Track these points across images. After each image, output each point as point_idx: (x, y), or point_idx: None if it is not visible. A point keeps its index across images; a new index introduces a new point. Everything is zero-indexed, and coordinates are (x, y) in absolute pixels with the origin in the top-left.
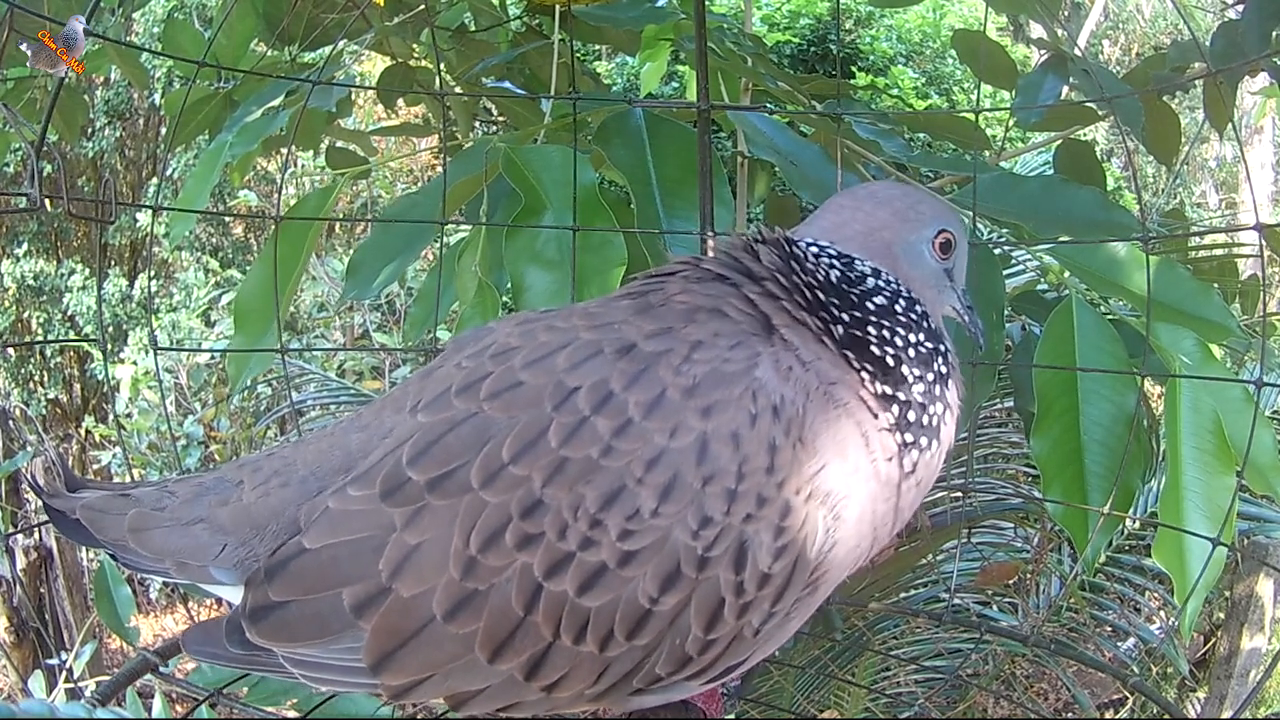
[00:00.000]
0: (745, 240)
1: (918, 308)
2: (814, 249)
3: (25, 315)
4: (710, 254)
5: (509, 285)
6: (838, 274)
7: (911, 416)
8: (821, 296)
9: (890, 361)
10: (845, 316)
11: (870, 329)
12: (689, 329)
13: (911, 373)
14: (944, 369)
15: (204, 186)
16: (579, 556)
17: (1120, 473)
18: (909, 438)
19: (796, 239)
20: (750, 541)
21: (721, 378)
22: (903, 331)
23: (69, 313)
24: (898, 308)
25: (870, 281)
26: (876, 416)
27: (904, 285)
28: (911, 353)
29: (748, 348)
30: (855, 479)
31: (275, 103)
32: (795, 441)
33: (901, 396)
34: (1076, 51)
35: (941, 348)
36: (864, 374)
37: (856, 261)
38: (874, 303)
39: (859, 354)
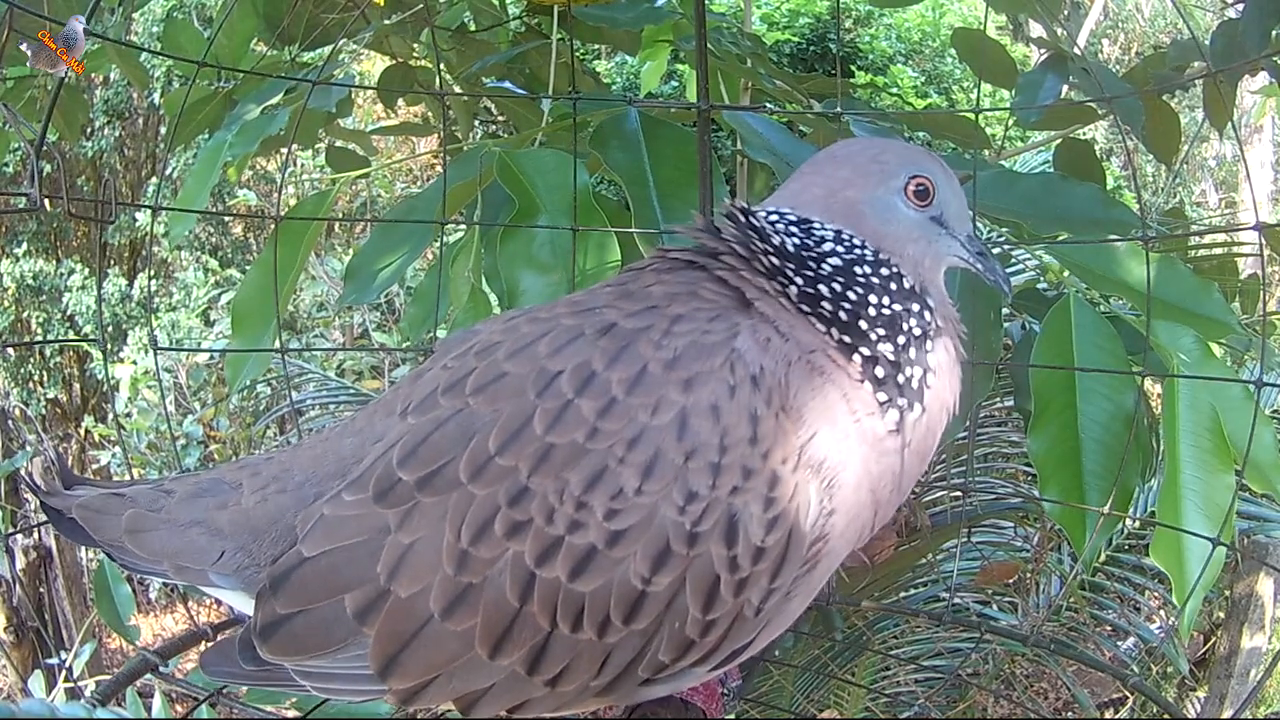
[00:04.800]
0: (707, 219)
1: (884, 270)
2: (773, 217)
3: (25, 315)
4: None
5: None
6: (795, 241)
7: (880, 372)
8: (776, 262)
9: (844, 316)
10: (798, 279)
11: (822, 286)
12: (671, 306)
13: (874, 331)
14: (918, 330)
15: (203, 186)
16: (568, 540)
17: (1119, 472)
18: (882, 396)
19: (755, 209)
20: (739, 514)
21: (701, 349)
22: (860, 291)
23: (68, 312)
24: (857, 270)
25: (828, 245)
26: (848, 373)
27: (872, 246)
28: (870, 312)
29: (727, 319)
30: (847, 444)
31: (274, 101)
32: (778, 411)
33: (865, 351)
34: (1076, 50)
35: (915, 307)
36: (820, 324)
37: (815, 225)
38: (829, 264)
39: (813, 309)
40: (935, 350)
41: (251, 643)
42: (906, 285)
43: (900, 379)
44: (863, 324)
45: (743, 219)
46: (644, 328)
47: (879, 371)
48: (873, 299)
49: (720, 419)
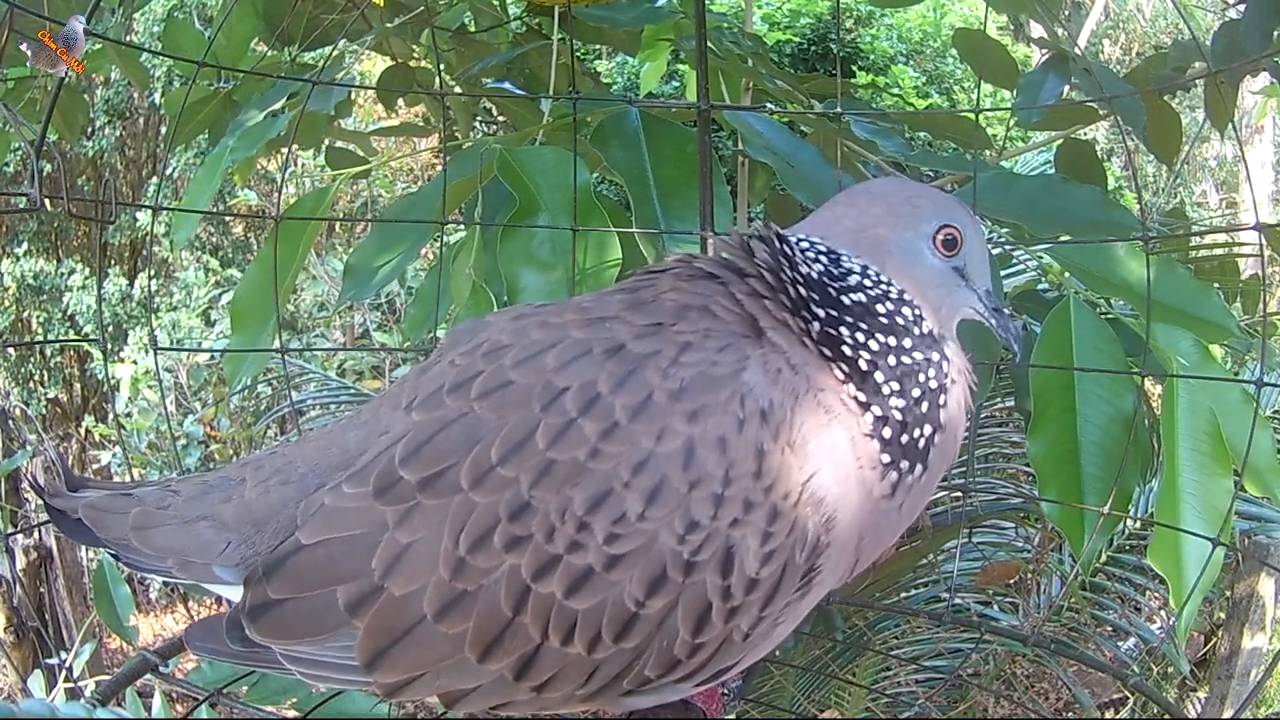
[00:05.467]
0: (741, 238)
1: (907, 310)
2: (804, 244)
3: (25, 315)
4: (709, 253)
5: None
6: (820, 269)
7: (888, 433)
8: (804, 292)
9: (864, 366)
10: (821, 313)
11: (844, 329)
12: (679, 326)
13: (889, 385)
14: (935, 383)
15: (206, 191)
16: (566, 559)
17: (1118, 474)
18: (886, 457)
19: (789, 235)
20: (737, 546)
21: (709, 381)
22: (881, 336)
23: (69, 312)
24: (879, 309)
25: (854, 279)
26: (858, 423)
27: (896, 286)
28: (891, 360)
29: (736, 350)
30: (848, 484)
31: (276, 106)
32: (784, 446)
33: (877, 410)
34: (1077, 51)
35: (935, 356)
36: (839, 373)
37: (844, 257)
38: (851, 298)
39: (834, 352)
40: (949, 405)
41: (240, 622)
42: (926, 329)
43: (905, 440)
44: (880, 376)
45: (777, 244)
46: (651, 353)
47: (887, 433)
48: (893, 342)
49: (727, 452)
